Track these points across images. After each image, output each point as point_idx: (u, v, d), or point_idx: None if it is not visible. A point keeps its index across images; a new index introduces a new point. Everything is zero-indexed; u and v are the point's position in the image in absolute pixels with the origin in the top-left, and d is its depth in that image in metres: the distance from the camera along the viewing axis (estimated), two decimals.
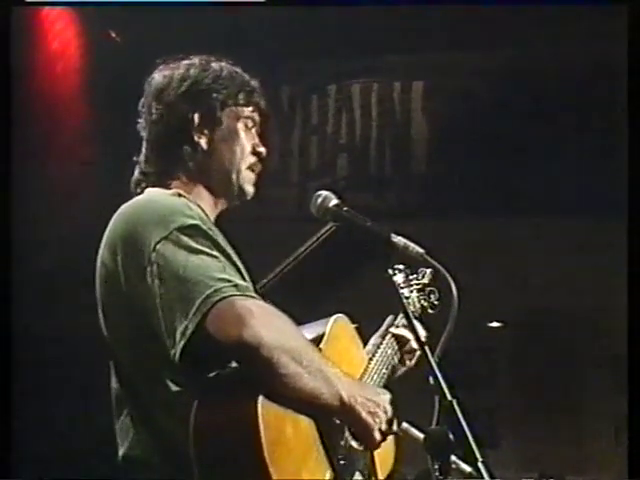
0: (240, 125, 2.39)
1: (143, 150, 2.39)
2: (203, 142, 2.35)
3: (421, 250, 2.27)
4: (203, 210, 2.24)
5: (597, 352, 8.28)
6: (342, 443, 2.21)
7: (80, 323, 3.32)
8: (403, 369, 2.78)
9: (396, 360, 2.70)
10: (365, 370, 2.51)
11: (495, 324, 8.72)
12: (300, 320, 2.22)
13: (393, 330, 2.73)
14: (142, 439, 2.14)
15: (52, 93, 6.15)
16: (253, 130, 2.42)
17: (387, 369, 2.59)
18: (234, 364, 2.07)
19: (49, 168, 5.96)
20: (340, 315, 2.46)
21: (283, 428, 2.04)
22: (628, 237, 3.64)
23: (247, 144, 2.39)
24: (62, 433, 5.86)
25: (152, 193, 2.31)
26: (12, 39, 3.94)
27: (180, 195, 2.25)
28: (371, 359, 2.58)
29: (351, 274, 6.58)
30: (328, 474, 2.15)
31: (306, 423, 2.12)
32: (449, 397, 2.00)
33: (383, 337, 2.71)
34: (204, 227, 2.14)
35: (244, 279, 2.14)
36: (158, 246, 2.08)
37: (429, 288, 2.93)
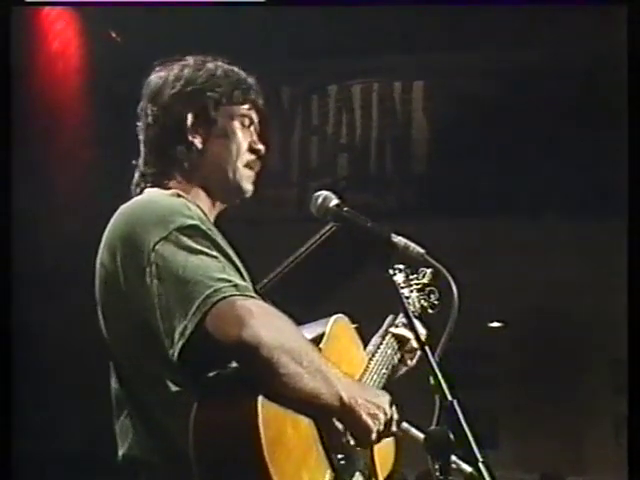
0: (236, 123, 2.38)
1: (141, 152, 2.39)
2: (197, 142, 2.34)
3: (421, 250, 2.27)
4: (202, 210, 2.24)
5: (597, 352, 8.28)
6: (342, 443, 2.20)
7: (80, 323, 3.31)
8: (403, 369, 2.78)
9: (396, 360, 2.70)
10: (365, 370, 2.51)
11: (495, 324, 8.73)
12: (300, 320, 2.22)
13: (393, 330, 2.72)
14: (142, 439, 2.14)
15: (52, 93, 6.15)
16: (251, 128, 2.42)
17: (387, 369, 2.59)
18: (234, 364, 2.06)
19: (49, 168, 5.96)
20: (340, 315, 2.46)
21: (283, 428, 2.04)
22: (628, 237, 3.65)
23: (243, 142, 2.38)
24: (62, 433, 5.86)
25: (151, 193, 2.30)
26: (12, 39, 3.94)
27: (179, 195, 2.25)
28: (371, 359, 2.57)
29: (351, 274, 6.58)
30: (328, 474, 2.15)
31: (306, 423, 2.12)
32: (449, 397, 2.00)
33: (383, 337, 2.70)
34: (203, 227, 2.14)
35: (244, 279, 2.14)
36: (157, 246, 2.08)
37: (429, 288, 2.93)
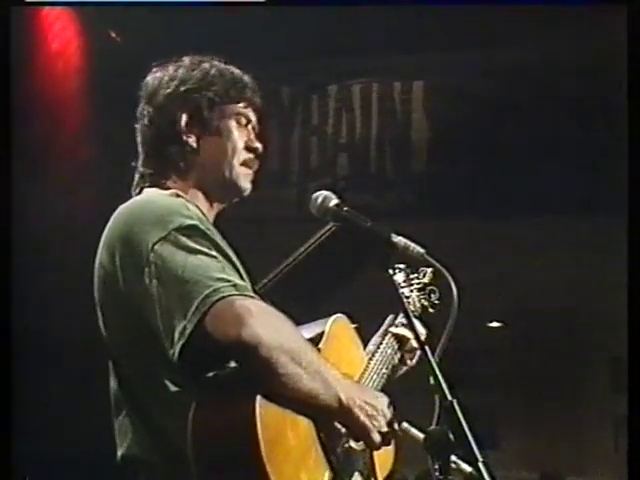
0: (232, 122, 2.38)
1: (140, 153, 2.39)
2: (192, 141, 2.34)
3: (421, 250, 2.26)
4: (200, 210, 2.24)
5: (597, 352, 8.28)
6: (341, 443, 2.20)
7: (80, 323, 3.31)
8: (403, 369, 2.78)
9: (396, 360, 2.69)
10: (365, 370, 2.50)
11: (495, 324, 8.73)
12: (300, 320, 2.22)
13: (393, 330, 2.72)
14: (141, 439, 2.14)
15: (52, 93, 6.15)
16: (248, 126, 2.41)
17: (387, 369, 2.59)
18: (233, 364, 2.06)
19: (49, 168, 5.96)
20: (340, 315, 2.46)
21: (281, 429, 2.04)
22: (628, 237, 3.64)
23: (239, 140, 2.38)
24: (62, 433, 5.86)
25: (150, 193, 2.30)
26: (12, 39, 3.94)
27: (178, 195, 2.25)
28: (371, 359, 2.57)
29: (351, 274, 6.59)
30: (327, 475, 2.15)
31: (305, 423, 2.11)
32: (449, 397, 1.99)
33: (383, 337, 2.70)
34: (202, 227, 2.13)
35: (243, 279, 2.14)
36: (156, 246, 2.08)
37: (429, 287, 2.92)
